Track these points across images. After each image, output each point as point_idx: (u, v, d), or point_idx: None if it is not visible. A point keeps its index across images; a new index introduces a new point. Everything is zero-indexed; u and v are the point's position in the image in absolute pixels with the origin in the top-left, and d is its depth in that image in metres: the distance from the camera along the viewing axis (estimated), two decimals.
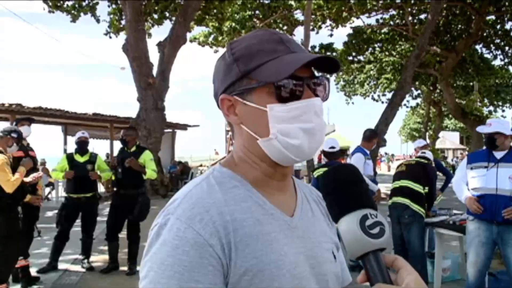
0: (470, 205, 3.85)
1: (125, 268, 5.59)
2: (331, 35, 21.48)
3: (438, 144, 34.51)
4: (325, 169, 5.13)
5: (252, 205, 0.82)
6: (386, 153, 39.00)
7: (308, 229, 0.89)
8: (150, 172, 5.53)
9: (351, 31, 20.77)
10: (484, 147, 4.00)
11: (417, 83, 24.53)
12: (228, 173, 0.86)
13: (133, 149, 5.63)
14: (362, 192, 0.72)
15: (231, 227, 0.77)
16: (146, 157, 5.57)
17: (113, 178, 5.77)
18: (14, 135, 4.59)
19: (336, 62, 0.85)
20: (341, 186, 0.72)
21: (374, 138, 5.85)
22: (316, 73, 0.87)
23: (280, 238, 0.81)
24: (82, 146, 5.83)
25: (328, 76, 0.88)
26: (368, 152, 5.71)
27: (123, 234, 5.71)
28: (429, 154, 5.20)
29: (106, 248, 5.83)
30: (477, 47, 21.25)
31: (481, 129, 3.98)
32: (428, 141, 21.89)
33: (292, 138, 0.80)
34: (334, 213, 0.72)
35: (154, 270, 0.73)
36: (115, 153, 5.93)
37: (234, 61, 0.84)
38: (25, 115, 7.19)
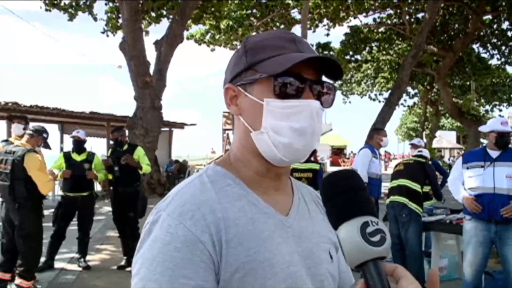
0: (468, 205, 3.85)
1: (120, 267, 5.60)
2: (327, 35, 21.46)
3: (435, 143, 34.56)
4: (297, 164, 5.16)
5: (245, 204, 0.82)
6: None
7: (304, 229, 0.88)
8: (146, 167, 5.80)
9: (348, 30, 20.77)
10: (481, 146, 4.00)
11: (414, 82, 24.55)
12: (222, 172, 0.86)
13: (125, 147, 5.83)
14: (363, 198, 0.69)
15: (222, 224, 0.76)
16: (140, 153, 5.83)
17: (110, 177, 5.81)
18: (45, 135, 4.79)
19: (339, 67, 0.84)
20: (341, 192, 0.70)
21: (374, 134, 5.93)
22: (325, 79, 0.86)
23: (274, 237, 0.81)
24: (77, 145, 5.83)
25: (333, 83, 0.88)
26: (376, 150, 5.73)
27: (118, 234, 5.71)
28: (425, 152, 5.20)
29: (102, 247, 5.81)
30: (474, 46, 21.28)
31: (503, 128, 3.80)
32: (425, 140, 21.93)
33: (281, 135, 0.80)
34: (334, 219, 0.69)
35: (145, 267, 0.73)
36: None
37: (244, 52, 0.86)
38: (22, 114, 7.15)
